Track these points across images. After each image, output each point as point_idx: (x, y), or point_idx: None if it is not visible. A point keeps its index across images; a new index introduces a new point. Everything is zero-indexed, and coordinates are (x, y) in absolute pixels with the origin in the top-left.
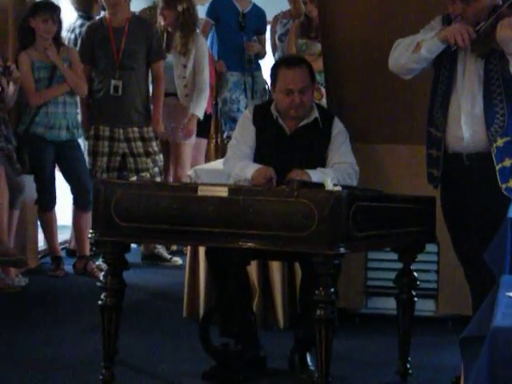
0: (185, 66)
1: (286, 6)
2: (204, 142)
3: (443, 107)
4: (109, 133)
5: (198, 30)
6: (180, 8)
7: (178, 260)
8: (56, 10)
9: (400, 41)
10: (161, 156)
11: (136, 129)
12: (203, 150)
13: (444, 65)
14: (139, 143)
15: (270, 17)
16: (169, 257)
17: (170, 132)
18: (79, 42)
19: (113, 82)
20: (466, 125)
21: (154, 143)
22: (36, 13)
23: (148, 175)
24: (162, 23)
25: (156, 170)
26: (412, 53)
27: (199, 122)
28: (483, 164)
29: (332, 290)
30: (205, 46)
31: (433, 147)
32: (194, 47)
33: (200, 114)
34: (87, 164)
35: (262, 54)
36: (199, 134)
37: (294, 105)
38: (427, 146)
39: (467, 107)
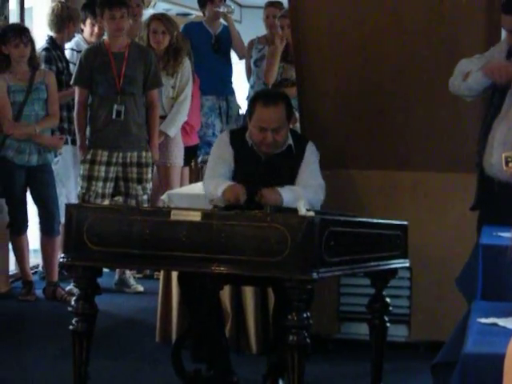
0: (173, 87)
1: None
2: (186, 169)
3: (485, 134)
4: (106, 157)
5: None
6: (175, 33)
7: (138, 286)
8: (24, 32)
9: (460, 64)
10: (151, 184)
11: (135, 153)
12: (186, 177)
13: (495, 94)
14: (134, 169)
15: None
16: (131, 284)
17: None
18: (77, 65)
19: (115, 106)
20: (497, 153)
21: (148, 170)
22: (5, 39)
23: (120, 199)
24: (157, 47)
25: (145, 197)
26: (462, 81)
27: (186, 151)
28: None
29: (305, 315)
30: (189, 69)
31: (477, 168)
32: (181, 70)
33: (171, 134)
34: (80, 188)
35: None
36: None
37: (266, 142)
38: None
39: (501, 137)
